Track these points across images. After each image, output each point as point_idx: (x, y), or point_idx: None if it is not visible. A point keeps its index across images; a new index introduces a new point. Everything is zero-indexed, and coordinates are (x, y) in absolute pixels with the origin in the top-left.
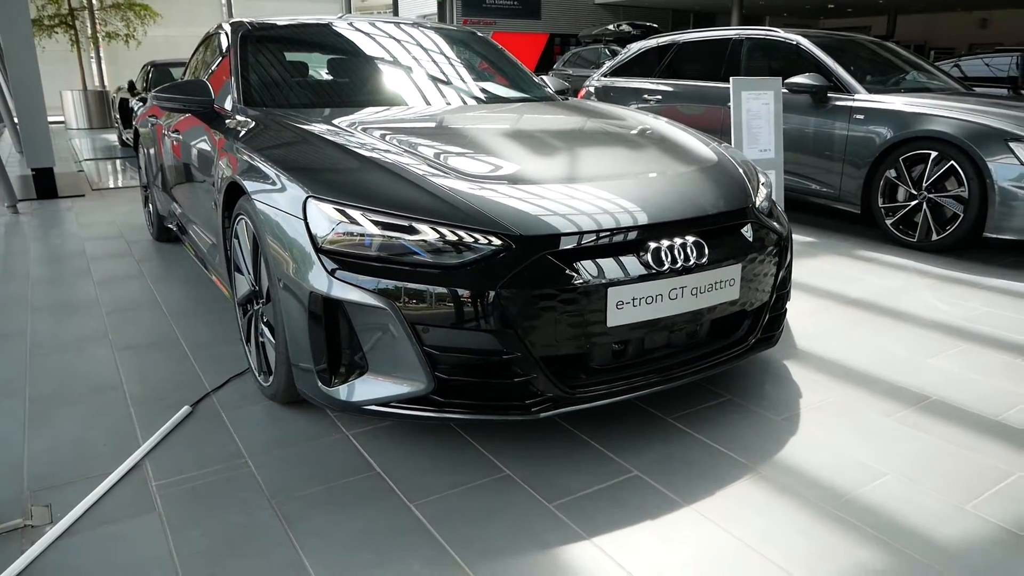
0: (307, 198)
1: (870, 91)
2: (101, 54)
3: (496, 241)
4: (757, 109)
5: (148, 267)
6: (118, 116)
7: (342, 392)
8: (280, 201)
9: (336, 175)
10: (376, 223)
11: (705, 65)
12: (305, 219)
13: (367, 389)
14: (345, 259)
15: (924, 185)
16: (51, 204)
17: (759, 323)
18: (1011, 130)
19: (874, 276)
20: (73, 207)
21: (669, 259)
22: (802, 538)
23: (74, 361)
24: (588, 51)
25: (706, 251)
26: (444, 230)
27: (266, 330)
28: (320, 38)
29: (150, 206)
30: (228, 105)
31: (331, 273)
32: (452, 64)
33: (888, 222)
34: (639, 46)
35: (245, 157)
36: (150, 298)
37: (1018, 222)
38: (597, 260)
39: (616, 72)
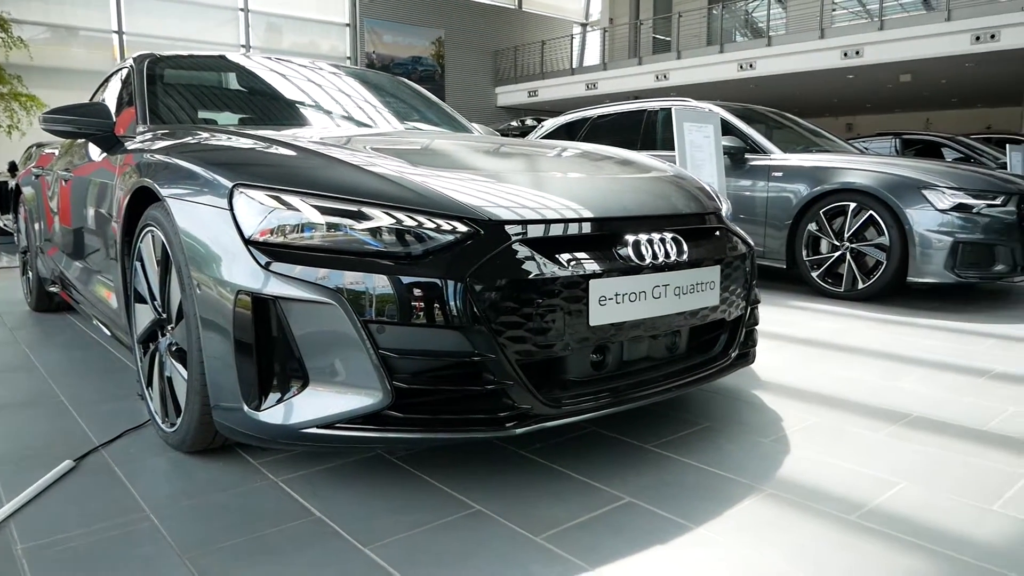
0: (233, 186)
1: (784, 151)
2: None
3: (462, 227)
4: (699, 141)
5: (23, 334)
6: None
7: (276, 414)
8: (200, 197)
9: (268, 168)
10: (319, 208)
11: (621, 137)
12: (231, 210)
13: (308, 407)
14: (281, 250)
15: (846, 236)
16: None
17: (737, 337)
18: (923, 179)
19: (814, 321)
20: None
21: (650, 253)
22: (836, 550)
23: None
24: None
25: (685, 248)
26: (400, 215)
27: (174, 363)
28: (233, 68)
29: (30, 273)
30: (132, 130)
31: (265, 267)
32: (374, 99)
33: (814, 274)
34: (552, 123)
35: (158, 158)
36: (24, 362)
37: (937, 266)
38: (575, 252)
39: None
